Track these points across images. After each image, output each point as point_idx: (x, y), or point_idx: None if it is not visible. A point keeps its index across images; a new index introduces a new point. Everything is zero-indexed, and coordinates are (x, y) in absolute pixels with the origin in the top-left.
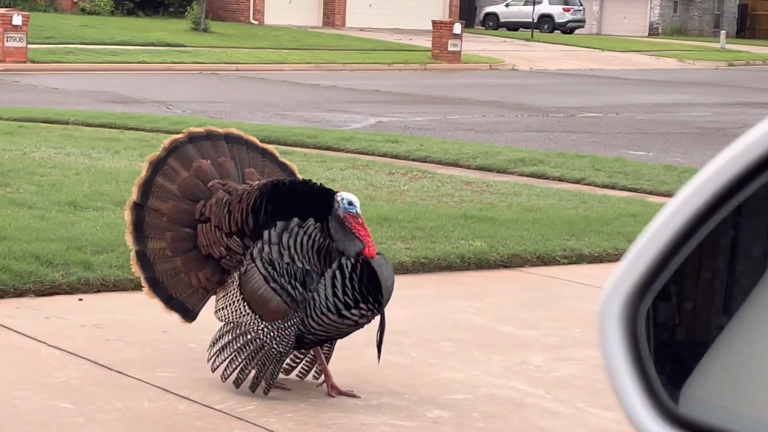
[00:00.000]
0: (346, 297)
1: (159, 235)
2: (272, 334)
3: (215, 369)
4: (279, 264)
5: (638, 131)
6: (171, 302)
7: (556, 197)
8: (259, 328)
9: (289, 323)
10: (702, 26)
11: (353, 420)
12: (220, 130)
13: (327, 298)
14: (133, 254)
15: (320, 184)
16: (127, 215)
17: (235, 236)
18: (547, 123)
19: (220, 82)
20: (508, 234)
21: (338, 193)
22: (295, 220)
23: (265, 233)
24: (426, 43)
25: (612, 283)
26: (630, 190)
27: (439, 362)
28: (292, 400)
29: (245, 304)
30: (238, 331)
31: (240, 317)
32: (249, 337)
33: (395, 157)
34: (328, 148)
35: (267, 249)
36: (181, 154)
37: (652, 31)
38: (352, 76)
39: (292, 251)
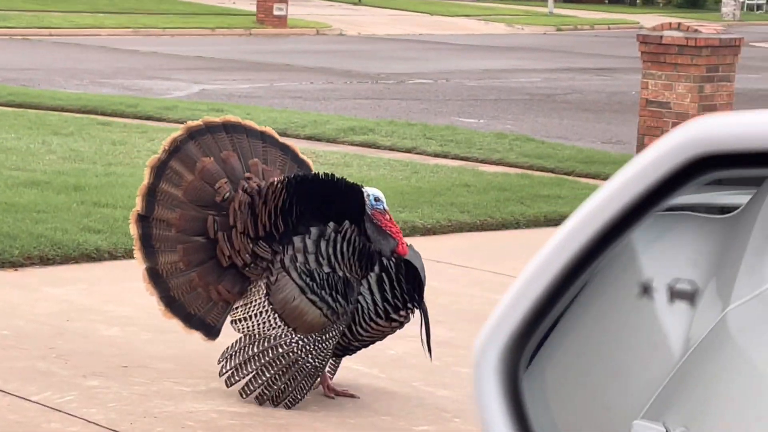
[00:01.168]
0: (395, 300)
1: (170, 248)
2: (309, 347)
3: (233, 384)
4: (319, 274)
5: (469, 98)
6: (191, 320)
7: (388, 167)
8: (293, 341)
9: (327, 335)
10: None
11: (180, 408)
12: (218, 120)
13: (376, 304)
14: (144, 272)
15: (344, 178)
16: (133, 229)
17: (261, 241)
18: (376, 90)
19: (32, 48)
20: None
21: (363, 188)
22: (331, 225)
23: (298, 240)
24: (251, 6)
25: (489, 328)
26: (462, 158)
27: None
28: (114, 390)
29: (275, 315)
30: (265, 344)
31: (268, 330)
32: (280, 351)
33: None
34: (149, 118)
35: (302, 258)
36: (183, 155)
37: None
38: (173, 42)
39: (333, 261)
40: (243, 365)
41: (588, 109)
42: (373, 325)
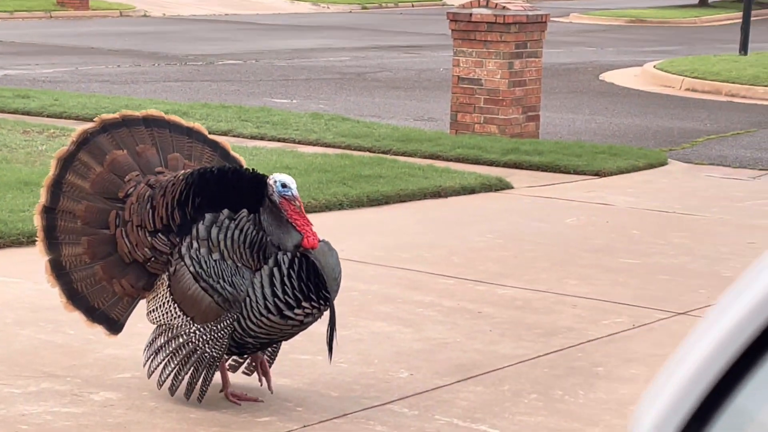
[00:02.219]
0: (286, 296)
1: (74, 240)
2: (205, 337)
3: (151, 374)
4: (207, 261)
5: (280, 78)
6: (93, 314)
7: None
8: (191, 330)
9: (221, 325)
10: None
11: (12, 411)
12: (138, 114)
13: (266, 298)
14: (46, 263)
15: (252, 169)
16: (37, 220)
17: (160, 234)
18: (186, 72)
19: None
20: None
21: (271, 176)
22: (225, 212)
23: (194, 228)
24: None
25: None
26: (279, 140)
27: (101, 339)
28: None
29: (176, 305)
30: (170, 334)
31: (172, 319)
32: (181, 340)
33: (28, 113)
34: None
35: (195, 245)
36: (93, 147)
37: None
38: None
39: (222, 247)
40: (155, 354)
41: (399, 87)
42: (264, 321)
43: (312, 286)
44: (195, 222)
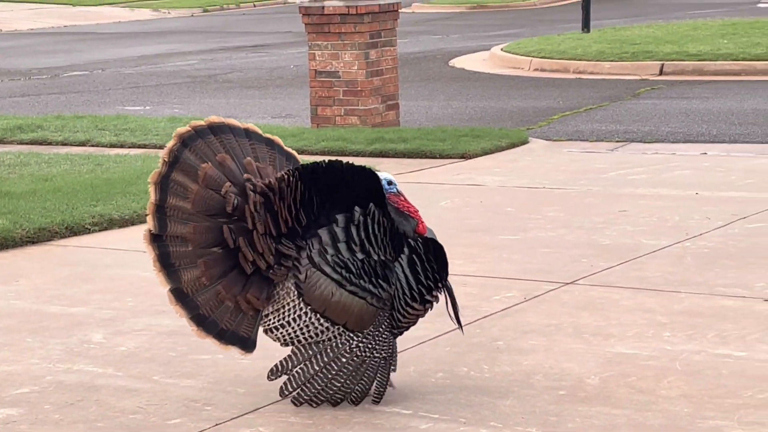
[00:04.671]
0: (428, 281)
1: (190, 264)
2: (371, 345)
3: (301, 403)
4: (354, 263)
5: (130, 86)
6: (224, 336)
7: (69, 162)
8: (352, 346)
9: (383, 326)
10: None
11: None
12: (203, 123)
13: (411, 287)
14: (169, 294)
15: (352, 163)
16: (150, 250)
17: (285, 238)
18: (32, 86)
19: None
20: (29, 207)
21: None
22: (358, 209)
23: (324, 232)
24: None
25: None
26: (140, 146)
27: None
28: None
29: (317, 315)
30: (325, 357)
31: (317, 332)
32: (343, 360)
33: None
34: None
35: (332, 250)
36: (184, 165)
37: None
38: None
39: (366, 245)
40: (309, 381)
41: (251, 86)
42: (410, 310)
43: (442, 265)
44: (320, 223)
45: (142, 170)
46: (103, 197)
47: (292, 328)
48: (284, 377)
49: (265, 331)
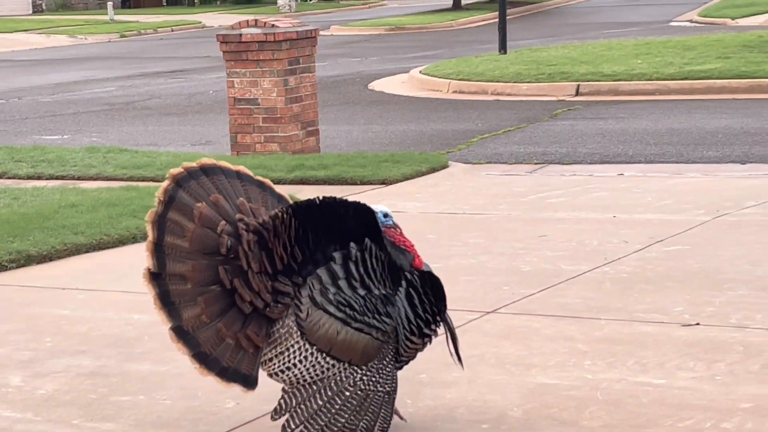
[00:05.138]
0: (426, 314)
1: (190, 302)
2: (375, 378)
3: None
4: (357, 300)
5: (47, 114)
6: (227, 374)
7: None
8: (356, 380)
9: (387, 359)
10: None
11: None
12: (195, 165)
13: (410, 321)
14: (170, 332)
15: (347, 199)
16: (150, 289)
17: (281, 275)
18: None
19: None
20: None
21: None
22: (353, 245)
23: (323, 271)
24: None
25: None
26: (58, 178)
27: None
28: None
29: (323, 354)
30: (329, 392)
31: (324, 372)
32: (347, 394)
33: None
34: None
35: (334, 288)
36: (179, 204)
37: (36, 9)
38: None
39: (366, 280)
40: (312, 419)
41: (170, 113)
42: (409, 344)
43: (439, 299)
44: (316, 260)
45: (60, 203)
46: (20, 233)
47: (299, 369)
48: (283, 417)
49: (270, 375)
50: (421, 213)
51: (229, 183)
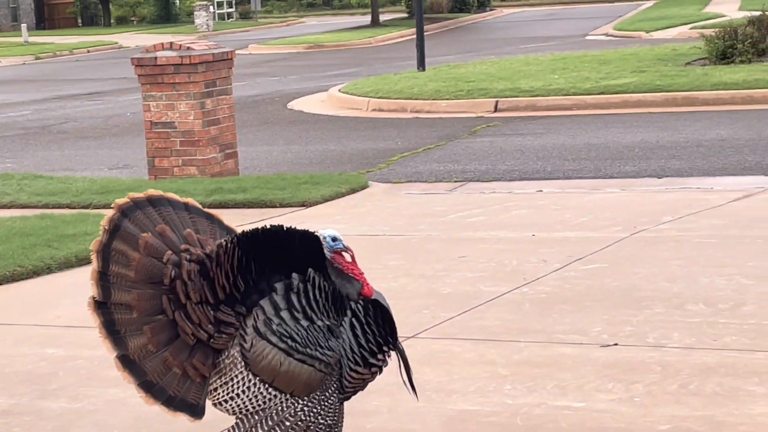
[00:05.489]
0: (370, 344)
1: (136, 331)
2: (316, 409)
3: None
4: (299, 332)
5: None
6: (173, 403)
7: None
8: (297, 410)
9: (330, 390)
10: (0, 21)
11: None
12: (142, 195)
13: (353, 351)
14: (116, 361)
15: (294, 227)
16: (95, 318)
17: (223, 305)
18: None
19: None
20: None
21: (317, 232)
22: (296, 276)
23: (266, 301)
24: None
25: None
26: None
27: None
28: None
29: (266, 385)
30: (270, 422)
31: (265, 402)
32: (288, 423)
33: None
34: None
35: (277, 320)
36: (124, 233)
37: None
38: None
39: (309, 312)
40: None
41: (87, 136)
42: (354, 374)
43: (387, 330)
44: (260, 290)
45: None
46: None
47: (242, 399)
48: None
49: (215, 404)
50: (341, 235)
51: (177, 214)
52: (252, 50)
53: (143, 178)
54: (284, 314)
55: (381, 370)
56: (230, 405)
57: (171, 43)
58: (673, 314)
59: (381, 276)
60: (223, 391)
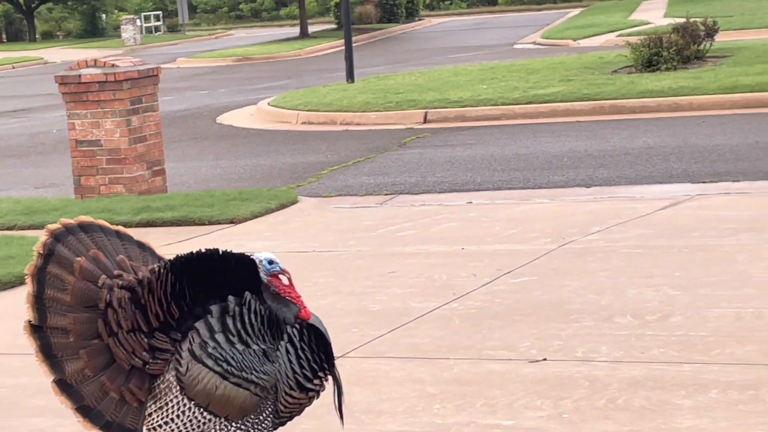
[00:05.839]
0: (304, 370)
1: (73, 356)
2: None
3: None
4: (234, 355)
5: None
6: (111, 428)
7: None
8: (231, 430)
9: (265, 414)
10: None
11: None
12: (73, 222)
13: (288, 376)
14: (53, 385)
15: (230, 250)
16: (31, 341)
17: (158, 332)
18: None
19: None
20: None
21: (253, 255)
22: (232, 299)
23: (202, 324)
24: None
25: None
26: None
27: None
28: None
29: (201, 410)
30: None
31: (200, 426)
32: None
33: None
34: None
35: (212, 343)
36: (59, 257)
37: None
38: None
39: (244, 335)
40: None
41: (12, 154)
42: (289, 399)
43: (322, 354)
44: (196, 315)
45: None
46: None
47: (176, 424)
48: None
49: (149, 430)
50: (275, 256)
51: (109, 241)
52: (180, 64)
53: (69, 197)
54: (219, 337)
55: (318, 395)
56: (165, 429)
57: (95, 60)
58: (601, 327)
59: (311, 294)
60: (158, 416)
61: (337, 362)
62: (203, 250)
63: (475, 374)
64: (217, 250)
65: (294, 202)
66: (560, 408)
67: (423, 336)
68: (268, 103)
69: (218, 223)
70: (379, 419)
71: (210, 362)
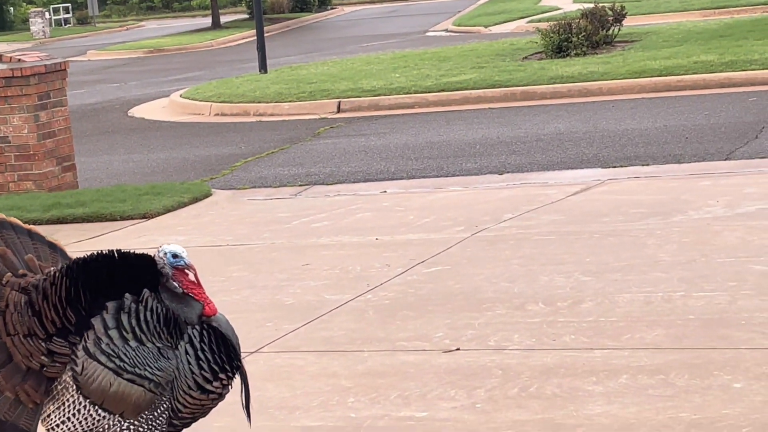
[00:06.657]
0: (203, 371)
1: None
2: (142, 428)
3: None
4: (127, 351)
5: None
6: (3, 427)
7: None
8: (124, 427)
9: (159, 410)
10: None
11: None
12: None
13: (186, 376)
14: None
15: (130, 250)
16: None
17: (56, 337)
18: None
19: None
20: None
21: (159, 249)
22: (128, 296)
23: (97, 322)
24: None
25: None
26: None
27: None
28: None
29: (96, 407)
30: None
31: (94, 423)
32: None
33: None
34: None
35: (106, 339)
36: None
37: None
38: None
39: (138, 332)
40: None
41: None
42: (189, 399)
43: (224, 356)
44: (93, 314)
45: None
46: None
47: (72, 423)
48: None
49: (47, 431)
50: (184, 247)
51: (19, 239)
52: (91, 56)
53: None
54: (113, 333)
55: (222, 397)
56: (62, 428)
57: (1, 56)
58: (514, 315)
59: (224, 289)
60: (55, 416)
61: (251, 358)
62: (102, 252)
63: (390, 366)
64: (115, 250)
65: (207, 195)
66: (473, 398)
67: (337, 329)
68: (181, 95)
69: (130, 218)
70: (293, 415)
71: (103, 358)
